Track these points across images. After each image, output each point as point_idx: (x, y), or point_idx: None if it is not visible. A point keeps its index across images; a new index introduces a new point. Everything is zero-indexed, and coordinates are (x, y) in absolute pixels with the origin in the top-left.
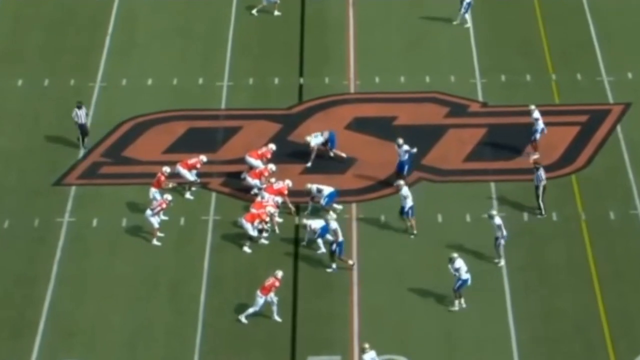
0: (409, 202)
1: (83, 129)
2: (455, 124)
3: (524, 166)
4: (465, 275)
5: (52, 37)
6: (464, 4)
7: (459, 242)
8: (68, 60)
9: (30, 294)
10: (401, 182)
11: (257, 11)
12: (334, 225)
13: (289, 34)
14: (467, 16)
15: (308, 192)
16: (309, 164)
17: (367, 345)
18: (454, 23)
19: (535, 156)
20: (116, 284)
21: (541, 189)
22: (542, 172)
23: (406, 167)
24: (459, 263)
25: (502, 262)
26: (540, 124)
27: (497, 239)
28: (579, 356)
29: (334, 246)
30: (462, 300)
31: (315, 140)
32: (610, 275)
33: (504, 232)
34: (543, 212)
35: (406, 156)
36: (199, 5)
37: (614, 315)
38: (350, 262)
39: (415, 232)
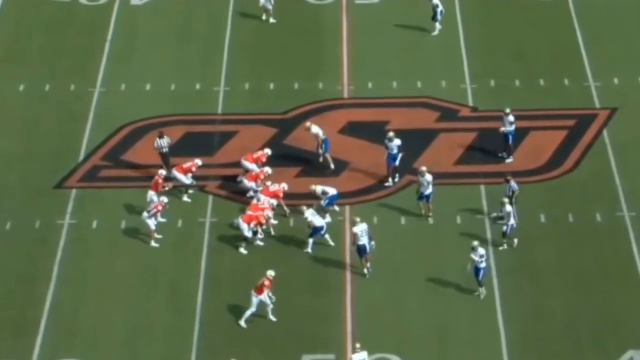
0: (431, 188)
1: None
2: (446, 128)
3: (513, 169)
4: (484, 263)
5: (53, 41)
6: (437, 11)
7: (450, 243)
8: (69, 65)
9: (32, 294)
10: (424, 168)
11: (271, 18)
12: (355, 229)
13: (284, 40)
14: (438, 24)
15: (313, 193)
16: (320, 150)
17: (358, 346)
18: (434, 34)
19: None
20: (116, 285)
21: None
22: (514, 184)
23: (399, 158)
24: (483, 250)
25: (516, 242)
26: (512, 128)
27: (506, 227)
28: (569, 355)
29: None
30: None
31: (316, 128)
32: (598, 275)
33: (512, 221)
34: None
35: (396, 150)
36: (197, 10)
37: (602, 314)
38: (365, 270)
39: (431, 214)
